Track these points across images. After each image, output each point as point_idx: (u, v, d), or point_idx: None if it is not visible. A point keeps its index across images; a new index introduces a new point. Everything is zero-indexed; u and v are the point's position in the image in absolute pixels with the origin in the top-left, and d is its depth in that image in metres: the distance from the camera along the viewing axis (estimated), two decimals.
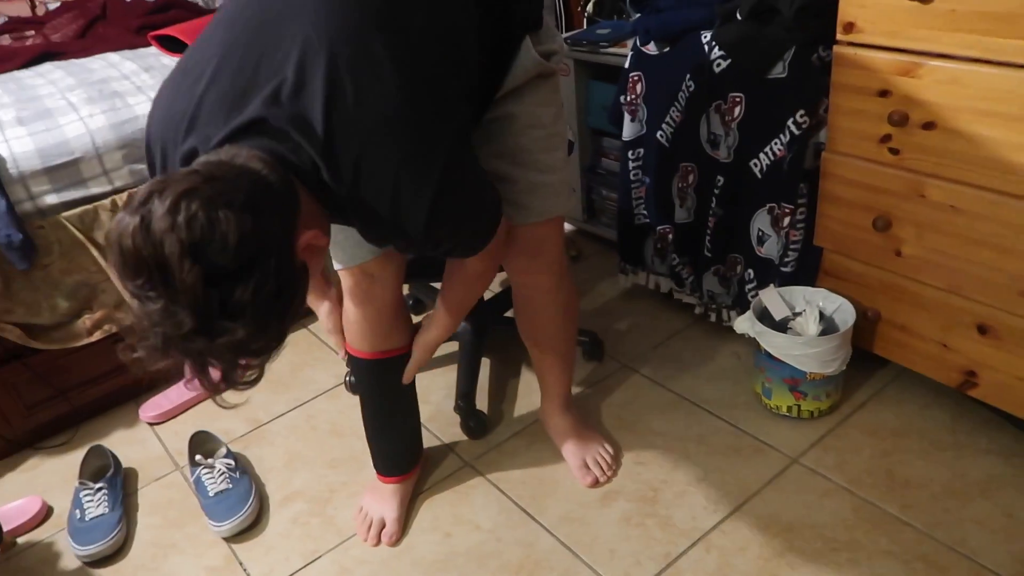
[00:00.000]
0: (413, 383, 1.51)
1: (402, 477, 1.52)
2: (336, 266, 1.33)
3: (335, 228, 1.29)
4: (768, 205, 1.64)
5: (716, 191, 1.70)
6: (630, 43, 1.80)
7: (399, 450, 1.52)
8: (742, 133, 1.61)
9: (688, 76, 1.66)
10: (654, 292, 2.01)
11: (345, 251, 1.30)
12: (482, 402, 1.79)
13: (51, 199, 1.64)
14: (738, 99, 1.58)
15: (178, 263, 0.76)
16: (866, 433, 1.56)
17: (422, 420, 1.57)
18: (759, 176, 1.62)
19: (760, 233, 1.68)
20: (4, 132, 1.63)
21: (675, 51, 1.68)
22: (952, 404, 1.59)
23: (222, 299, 0.79)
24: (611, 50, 2.00)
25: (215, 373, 0.85)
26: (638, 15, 1.78)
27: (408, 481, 1.54)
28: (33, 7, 2.48)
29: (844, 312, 1.58)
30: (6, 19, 2.40)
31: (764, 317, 1.62)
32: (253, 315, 0.81)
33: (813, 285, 1.64)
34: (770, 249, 1.68)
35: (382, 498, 1.51)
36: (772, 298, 1.62)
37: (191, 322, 0.78)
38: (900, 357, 1.57)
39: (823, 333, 1.56)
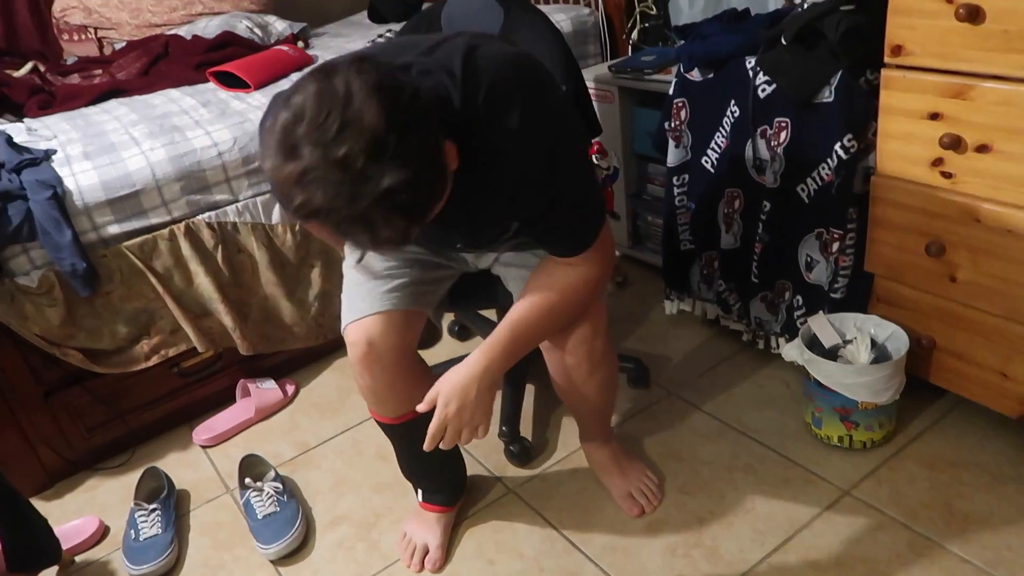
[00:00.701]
0: None
1: (446, 508, 1.52)
2: (342, 323, 1.30)
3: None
4: (816, 230, 1.61)
5: (763, 216, 1.68)
6: (674, 70, 1.80)
7: (441, 487, 1.52)
8: (788, 158, 1.59)
9: (732, 102, 1.65)
10: (700, 318, 1.99)
11: (354, 303, 1.28)
12: (526, 429, 1.79)
13: (113, 229, 1.72)
14: (784, 124, 1.57)
15: (366, 98, 0.82)
16: (922, 465, 1.51)
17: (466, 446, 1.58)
18: (806, 201, 1.60)
19: (808, 259, 1.65)
20: (71, 166, 1.71)
21: (719, 77, 1.68)
22: (1014, 435, 1.53)
23: (397, 138, 0.82)
24: (655, 76, 2.01)
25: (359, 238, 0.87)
26: (682, 42, 1.78)
27: (452, 512, 1.54)
28: (101, 47, 2.61)
29: (897, 340, 1.53)
30: (76, 59, 2.53)
31: (813, 344, 1.58)
32: (418, 164, 0.84)
33: (864, 312, 1.61)
34: (819, 275, 1.65)
35: (426, 525, 1.51)
36: (822, 325, 1.58)
37: (362, 159, 0.81)
38: (957, 386, 1.51)
39: (875, 361, 1.52)
